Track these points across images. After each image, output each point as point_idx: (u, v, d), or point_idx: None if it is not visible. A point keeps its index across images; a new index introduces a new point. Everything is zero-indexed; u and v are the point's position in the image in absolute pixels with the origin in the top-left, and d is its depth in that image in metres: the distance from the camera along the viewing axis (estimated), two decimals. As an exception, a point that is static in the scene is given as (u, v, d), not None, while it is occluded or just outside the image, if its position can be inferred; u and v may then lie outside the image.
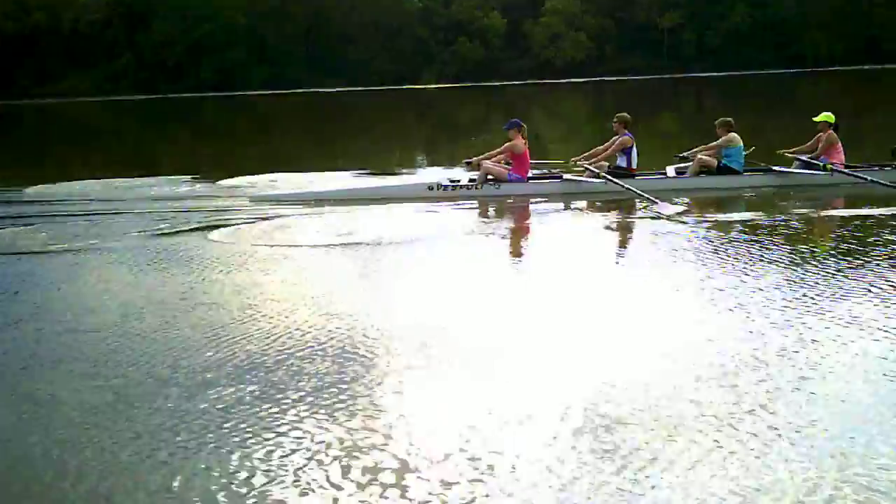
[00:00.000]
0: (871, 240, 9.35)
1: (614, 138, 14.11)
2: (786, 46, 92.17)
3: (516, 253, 10.43)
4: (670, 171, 14.34)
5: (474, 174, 14.06)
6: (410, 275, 8.97)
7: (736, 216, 11.42)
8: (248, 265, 9.41)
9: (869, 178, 12.99)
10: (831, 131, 13.86)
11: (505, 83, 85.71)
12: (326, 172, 18.17)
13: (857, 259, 8.45)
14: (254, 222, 12.25)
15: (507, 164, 14.02)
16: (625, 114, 14.24)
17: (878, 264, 8.17)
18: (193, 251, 10.19)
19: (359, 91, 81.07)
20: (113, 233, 11.50)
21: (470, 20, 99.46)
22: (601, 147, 14.23)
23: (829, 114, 14.02)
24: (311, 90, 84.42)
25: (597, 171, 13.64)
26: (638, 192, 12.81)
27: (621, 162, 14.02)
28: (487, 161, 13.91)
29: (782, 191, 13.27)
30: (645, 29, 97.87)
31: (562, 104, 55.90)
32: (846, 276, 7.74)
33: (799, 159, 14.05)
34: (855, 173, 13.36)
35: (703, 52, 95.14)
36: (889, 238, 9.40)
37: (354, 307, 7.43)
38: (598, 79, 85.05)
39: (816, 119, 14.03)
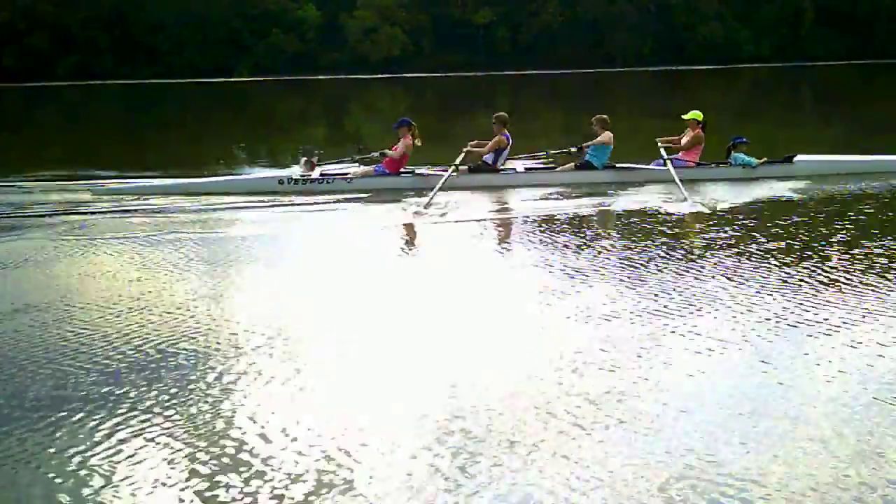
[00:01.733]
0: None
1: (494, 138, 14.39)
2: (597, 45, 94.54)
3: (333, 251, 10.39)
4: (519, 166, 14.72)
5: (329, 168, 14.58)
6: (252, 270, 9.09)
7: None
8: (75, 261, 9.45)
9: (676, 179, 13.13)
10: (699, 130, 14.46)
11: (321, 77, 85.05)
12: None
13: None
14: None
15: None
16: (503, 113, 14.61)
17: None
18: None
19: (173, 83, 78.99)
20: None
21: (284, 11, 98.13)
22: (483, 142, 14.50)
23: (698, 112, 14.57)
24: (121, 81, 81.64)
25: (453, 166, 13.80)
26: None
27: (488, 158, 14.40)
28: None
29: (628, 186, 13.76)
30: (460, 25, 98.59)
31: (379, 100, 55.84)
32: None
33: (663, 156, 14.16)
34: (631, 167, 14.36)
35: (518, 50, 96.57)
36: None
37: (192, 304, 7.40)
38: (414, 75, 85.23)
39: (685, 117, 14.57)
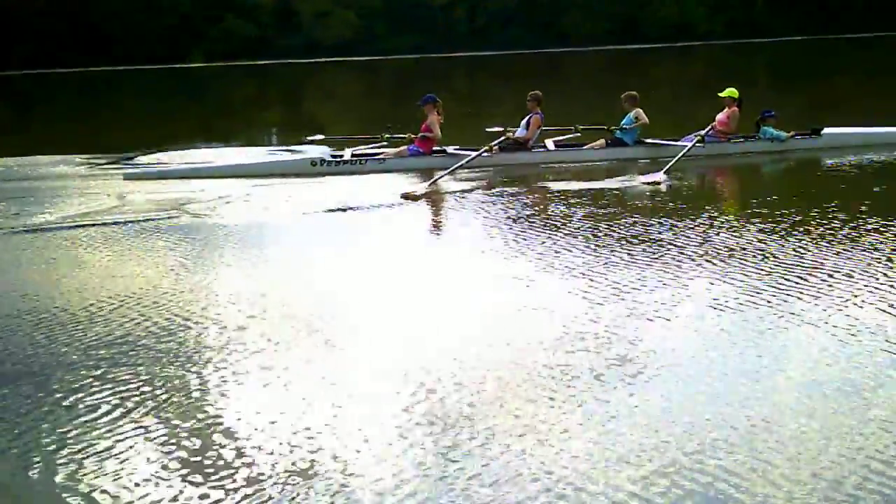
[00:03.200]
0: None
1: (528, 117, 14.37)
2: (552, 26, 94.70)
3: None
4: (549, 143, 14.58)
5: (360, 149, 14.47)
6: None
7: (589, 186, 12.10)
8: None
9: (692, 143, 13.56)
10: (736, 107, 14.41)
11: (276, 62, 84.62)
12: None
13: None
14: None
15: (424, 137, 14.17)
16: (538, 91, 14.53)
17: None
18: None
19: (129, 70, 78.31)
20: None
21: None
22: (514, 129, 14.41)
23: (734, 89, 14.54)
24: (76, 69, 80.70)
25: (487, 147, 13.79)
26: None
27: (521, 133, 14.36)
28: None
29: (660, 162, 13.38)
30: (417, 7, 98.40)
31: (334, 83, 55.66)
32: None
33: (709, 136, 14.16)
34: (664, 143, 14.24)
35: (475, 32, 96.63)
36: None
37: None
38: (369, 58, 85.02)
39: (721, 94, 14.51)
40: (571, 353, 5.64)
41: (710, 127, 14.16)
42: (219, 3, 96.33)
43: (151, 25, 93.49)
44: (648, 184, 11.89)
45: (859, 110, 17.95)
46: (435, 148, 14.25)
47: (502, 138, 14.06)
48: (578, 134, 14.70)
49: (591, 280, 7.29)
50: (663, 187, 11.72)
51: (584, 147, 14.51)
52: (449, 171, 12.90)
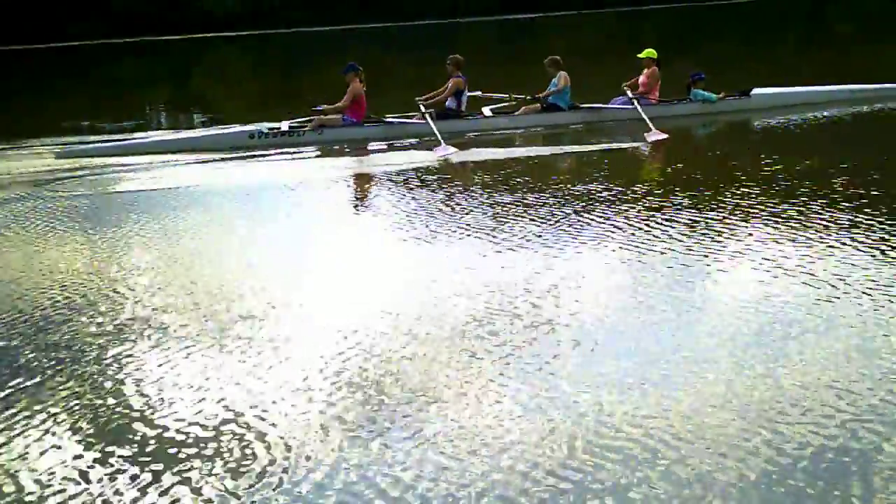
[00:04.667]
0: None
1: (449, 82, 14.43)
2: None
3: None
4: (486, 111, 14.86)
5: (297, 121, 14.33)
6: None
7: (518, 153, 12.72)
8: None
9: (644, 116, 13.90)
10: (655, 67, 14.78)
11: (165, 37, 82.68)
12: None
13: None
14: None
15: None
16: (457, 55, 14.55)
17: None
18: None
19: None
20: None
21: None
22: (439, 91, 14.52)
23: (652, 50, 14.90)
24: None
25: (423, 111, 13.91)
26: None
27: (450, 104, 14.37)
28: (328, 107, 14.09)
29: (594, 126, 14.32)
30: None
31: (225, 59, 54.87)
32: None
33: (626, 95, 14.61)
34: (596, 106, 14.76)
35: (362, 3, 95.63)
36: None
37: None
38: (257, 32, 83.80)
39: (641, 56, 14.90)
40: (497, 316, 5.80)
41: (629, 90, 14.67)
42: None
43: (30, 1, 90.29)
44: (659, 142, 12.72)
45: (745, 73, 18.36)
46: (372, 116, 14.42)
47: (422, 107, 14.18)
48: (513, 102, 14.98)
49: (516, 248, 7.49)
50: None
51: (518, 113, 14.76)
52: (435, 129, 13.32)
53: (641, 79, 14.81)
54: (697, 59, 23.63)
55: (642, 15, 71.93)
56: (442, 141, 12.95)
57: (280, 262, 7.64)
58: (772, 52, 30.43)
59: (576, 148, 12.81)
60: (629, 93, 14.61)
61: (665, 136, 12.86)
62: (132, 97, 29.22)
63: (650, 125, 13.29)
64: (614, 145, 12.89)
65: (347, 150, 13.70)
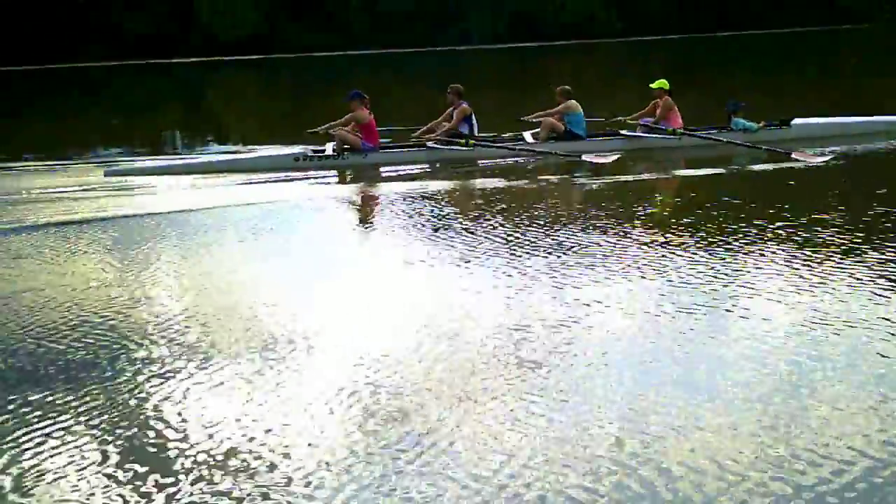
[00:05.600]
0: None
1: (450, 110, 14.48)
2: (451, 23, 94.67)
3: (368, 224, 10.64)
4: (528, 136, 14.77)
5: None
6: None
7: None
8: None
9: (723, 139, 14.10)
10: (667, 97, 14.62)
11: (176, 60, 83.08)
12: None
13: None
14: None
15: (356, 134, 14.07)
16: (458, 85, 14.60)
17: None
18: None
19: (19, 71, 76.34)
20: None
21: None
22: (441, 120, 14.62)
23: (664, 80, 14.82)
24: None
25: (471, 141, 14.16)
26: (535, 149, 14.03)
27: (464, 129, 14.33)
28: (340, 129, 14.03)
29: (632, 154, 14.10)
30: (316, 6, 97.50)
31: (238, 82, 55.13)
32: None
33: (644, 125, 14.75)
34: (708, 135, 14.48)
35: (376, 30, 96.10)
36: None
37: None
38: (268, 56, 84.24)
39: (653, 86, 14.80)
40: (516, 343, 5.73)
41: (650, 119, 14.78)
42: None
43: (44, 23, 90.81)
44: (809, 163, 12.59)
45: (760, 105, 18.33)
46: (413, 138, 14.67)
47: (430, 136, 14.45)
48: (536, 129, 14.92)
49: (539, 274, 7.41)
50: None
51: (540, 141, 14.63)
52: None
53: (658, 111, 14.74)
54: (713, 90, 23.63)
55: (646, 45, 72.18)
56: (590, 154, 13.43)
57: (313, 286, 7.59)
58: (793, 83, 30.38)
59: (596, 178, 12.71)
60: (648, 122, 14.73)
61: (603, 161, 13.09)
62: (155, 118, 29.41)
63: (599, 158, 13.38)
64: (647, 176, 12.95)
65: (397, 172, 13.74)
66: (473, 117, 14.48)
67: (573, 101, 14.56)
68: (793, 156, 12.89)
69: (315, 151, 14.30)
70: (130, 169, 14.60)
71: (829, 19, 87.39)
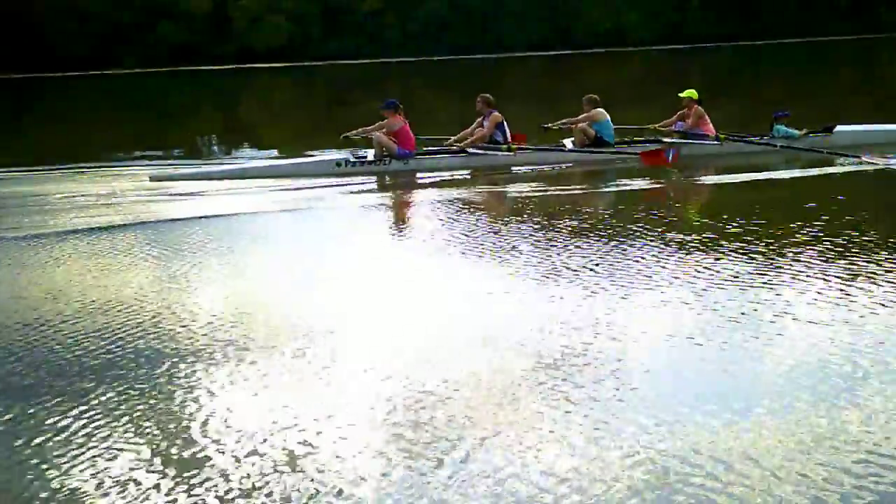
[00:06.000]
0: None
1: (479, 119, 14.56)
2: (484, 32, 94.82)
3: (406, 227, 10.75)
4: (568, 143, 14.85)
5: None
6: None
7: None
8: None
9: (778, 144, 14.10)
10: (697, 106, 14.65)
11: (210, 67, 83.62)
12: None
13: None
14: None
15: (392, 140, 14.17)
16: (487, 95, 14.66)
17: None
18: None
19: (60, 77, 77.12)
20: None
21: (172, 2, 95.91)
22: (473, 128, 14.67)
23: (693, 90, 14.82)
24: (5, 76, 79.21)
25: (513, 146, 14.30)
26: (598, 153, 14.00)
27: (497, 137, 14.41)
28: (378, 133, 14.15)
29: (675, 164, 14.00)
30: (348, 13, 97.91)
31: (270, 89, 55.36)
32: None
33: (678, 131, 14.73)
34: (751, 139, 14.53)
35: (407, 38, 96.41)
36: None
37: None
38: (302, 63, 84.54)
39: (682, 95, 14.81)
40: (557, 359, 5.65)
41: (681, 125, 14.75)
42: (154, 9, 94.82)
43: (84, 32, 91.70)
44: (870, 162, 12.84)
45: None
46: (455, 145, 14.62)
47: (466, 143, 14.46)
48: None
49: (574, 285, 7.32)
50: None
51: (572, 148, 14.70)
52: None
53: (689, 120, 14.67)
54: (748, 99, 23.50)
55: (677, 54, 71.86)
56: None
57: (344, 293, 7.57)
58: (829, 90, 30.18)
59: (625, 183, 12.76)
60: (680, 128, 14.71)
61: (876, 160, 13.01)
62: (192, 123, 29.70)
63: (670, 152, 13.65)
64: (679, 179, 13.01)
65: (439, 178, 13.73)
66: (505, 125, 14.50)
67: (600, 110, 14.56)
68: (863, 158, 13.00)
69: (356, 157, 14.35)
70: (176, 174, 14.75)
71: (863, 29, 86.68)
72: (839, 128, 14.83)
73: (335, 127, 15.45)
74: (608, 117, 14.58)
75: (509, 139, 14.48)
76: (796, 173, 12.99)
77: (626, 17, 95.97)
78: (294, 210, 11.69)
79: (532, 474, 4.17)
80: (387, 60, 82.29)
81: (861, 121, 15.51)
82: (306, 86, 57.58)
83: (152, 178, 14.16)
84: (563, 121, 14.76)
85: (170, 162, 16.71)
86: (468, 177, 13.86)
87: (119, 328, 6.57)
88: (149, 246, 9.47)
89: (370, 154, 14.33)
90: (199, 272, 8.34)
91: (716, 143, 14.48)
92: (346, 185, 13.40)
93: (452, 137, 14.79)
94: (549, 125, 14.80)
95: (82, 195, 13.04)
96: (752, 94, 28.79)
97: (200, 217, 11.00)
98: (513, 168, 14.20)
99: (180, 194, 13.02)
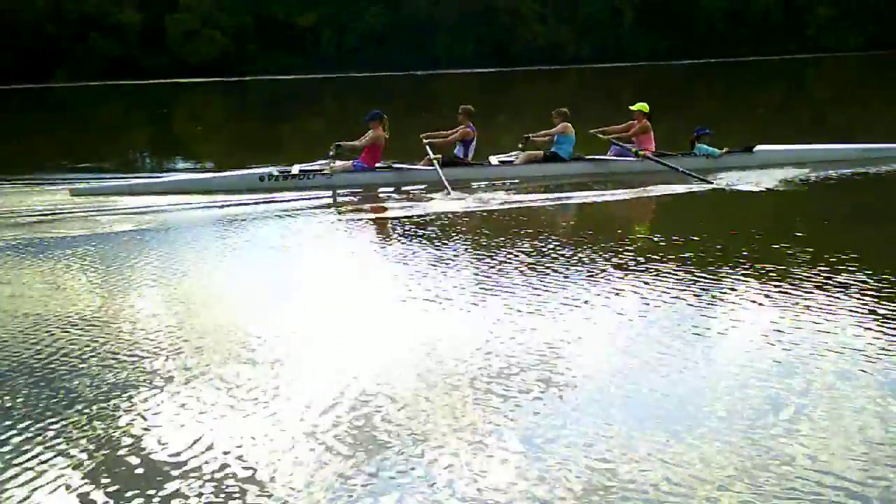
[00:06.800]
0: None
1: (458, 127, 14.53)
2: (420, 48, 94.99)
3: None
4: (493, 160, 14.95)
5: (308, 165, 14.38)
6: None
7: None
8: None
9: (677, 167, 13.85)
10: (646, 120, 14.76)
11: (143, 81, 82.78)
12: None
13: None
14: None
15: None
16: (469, 106, 14.70)
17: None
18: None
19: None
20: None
21: (103, 15, 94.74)
22: (446, 132, 14.72)
23: (644, 104, 14.96)
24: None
25: (431, 158, 14.04)
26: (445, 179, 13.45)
27: (458, 152, 14.49)
28: (440, 139, 14.43)
29: (597, 178, 14.21)
30: (284, 28, 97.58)
31: (207, 103, 55.03)
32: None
33: (615, 143, 14.74)
34: (661, 161, 14.32)
35: (343, 53, 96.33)
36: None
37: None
38: (238, 78, 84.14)
39: (633, 108, 14.94)
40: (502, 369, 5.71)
41: (626, 141, 14.78)
42: (85, 22, 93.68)
43: (11, 45, 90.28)
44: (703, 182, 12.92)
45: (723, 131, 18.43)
46: (378, 164, 14.39)
47: (429, 149, 14.30)
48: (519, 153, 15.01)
49: (513, 300, 7.38)
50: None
51: (518, 163, 14.82)
52: (442, 177, 13.40)
53: (633, 130, 14.83)
54: (683, 115, 23.77)
55: (619, 72, 72.65)
56: (448, 188, 13.06)
57: (281, 309, 7.54)
58: (758, 110, 30.64)
59: (575, 198, 12.84)
60: (622, 144, 14.73)
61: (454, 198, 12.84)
62: (121, 137, 29.35)
63: (694, 176, 13.43)
64: (612, 196, 12.93)
65: (357, 195, 13.64)
66: (473, 142, 14.64)
67: (568, 124, 14.73)
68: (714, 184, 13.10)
69: (281, 171, 14.32)
70: (98, 188, 14.49)
71: (794, 48, 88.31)
72: (759, 147, 15.12)
73: (264, 142, 15.34)
74: (573, 133, 14.76)
75: (468, 157, 14.58)
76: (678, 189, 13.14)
77: (562, 34, 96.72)
78: (218, 224, 11.58)
79: (469, 486, 4.21)
80: (324, 76, 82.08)
81: (783, 140, 15.78)
82: (239, 100, 57.31)
83: (73, 193, 13.90)
84: (541, 133, 14.89)
85: (92, 175, 16.39)
86: (382, 191, 13.85)
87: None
88: (63, 263, 9.36)
89: (295, 168, 14.37)
90: (123, 288, 8.21)
91: (633, 159, 14.58)
92: (270, 201, 13.28)
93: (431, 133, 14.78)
94: (531, 136, 14.86)
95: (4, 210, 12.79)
96: (683, 112, 29.14)
97: (124, 231, 10.91)
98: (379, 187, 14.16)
99: (100, 210, 12.76)
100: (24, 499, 4.23)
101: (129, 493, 4.25)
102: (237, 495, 4.18)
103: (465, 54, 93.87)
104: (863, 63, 69.71)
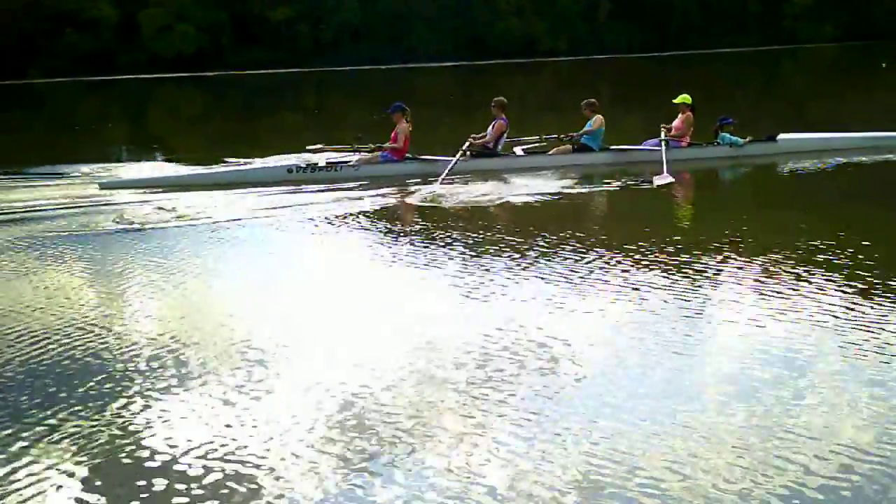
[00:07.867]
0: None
1: (493, 122, 14.68)
2: (398, 41, 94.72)
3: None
4: (518, 150, 15.09)
5: (335, 157, 14.58)
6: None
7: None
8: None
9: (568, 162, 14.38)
10: (690, 113, 15.00)
11: (118, 77, 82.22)
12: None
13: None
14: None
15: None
16: (502, 98, 14.77)
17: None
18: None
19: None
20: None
21: (78, 10, 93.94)
22: (485, 134, 14.76)
23: (687, 96, 15.09)
24: None
25: (464, 150, 14.25)
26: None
27: (489, 143, 14.60)
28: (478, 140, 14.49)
29: (625, 167, 14.39)
30: (260, 23, 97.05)
31: (182, 99, 54.76)
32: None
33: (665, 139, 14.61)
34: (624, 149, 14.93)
35: (320, 47, 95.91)
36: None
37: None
38: (213, 73, 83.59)
39: (676, 101, 15.14)
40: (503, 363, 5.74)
41: (664, 131, 14.73)
42: (61, 17, 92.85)
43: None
44: (663, 186, 12.60)
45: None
46: (407, 155, 14.48)
47: (467, 144, 14.39)
48: (544, 143, 15.19)
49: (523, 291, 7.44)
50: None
51: (551, 153, 14.93)
52: (447, 170, 13.47)
53: (676, 123, 15.05)
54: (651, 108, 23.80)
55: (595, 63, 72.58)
56: (441, 179, 13.20)
57: (294, 301, 7.61)
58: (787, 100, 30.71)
59: (603, 187, 12.97)
60: (663, 133, 14.67)
61: (671, 179, 12.80)
62: (87, 134, 29.12)
63: (664, 168, 13.25)
64: (632, 185, 13.07)
65: (383, 186, 13.45)
66: (504, 135, 14.76)
67: (600, 116, 14.92)
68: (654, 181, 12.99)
69: (308, 164, 14.42)
70: (126, 182, 14.56)
71: (769, 40, 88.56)
72: (782, 136, 15.25)
73: (242, 137, 15.33)
74: (603, 127, 14.91)
75: (498, 148, 14.69)
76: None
77: (537, 27, 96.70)
78: (245, 219, 11.48)
79: (464, 481, 4.25)
80: (301, 70, 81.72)
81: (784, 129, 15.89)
82: (215, 95, 56.97)
83: (102, 187, 13.93)
84: (577, 133, 14.99)
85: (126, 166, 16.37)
86: (410, 182, 13.72)
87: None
88: (82, 258, 9.39)
89: (322, 160, 14.48)
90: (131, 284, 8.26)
91: (658, 149, 14.43)
92: (294, 192, 13.29)
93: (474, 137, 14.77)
94: (565, 136, 14.99)
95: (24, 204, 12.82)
96: (649, 102, 29.28)
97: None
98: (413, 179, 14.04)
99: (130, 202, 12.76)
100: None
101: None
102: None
103: (442, 48, 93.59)
104: (842, 53, 69.94)
